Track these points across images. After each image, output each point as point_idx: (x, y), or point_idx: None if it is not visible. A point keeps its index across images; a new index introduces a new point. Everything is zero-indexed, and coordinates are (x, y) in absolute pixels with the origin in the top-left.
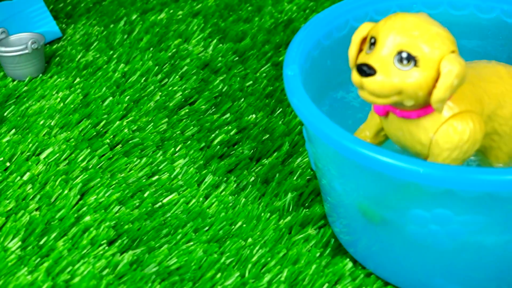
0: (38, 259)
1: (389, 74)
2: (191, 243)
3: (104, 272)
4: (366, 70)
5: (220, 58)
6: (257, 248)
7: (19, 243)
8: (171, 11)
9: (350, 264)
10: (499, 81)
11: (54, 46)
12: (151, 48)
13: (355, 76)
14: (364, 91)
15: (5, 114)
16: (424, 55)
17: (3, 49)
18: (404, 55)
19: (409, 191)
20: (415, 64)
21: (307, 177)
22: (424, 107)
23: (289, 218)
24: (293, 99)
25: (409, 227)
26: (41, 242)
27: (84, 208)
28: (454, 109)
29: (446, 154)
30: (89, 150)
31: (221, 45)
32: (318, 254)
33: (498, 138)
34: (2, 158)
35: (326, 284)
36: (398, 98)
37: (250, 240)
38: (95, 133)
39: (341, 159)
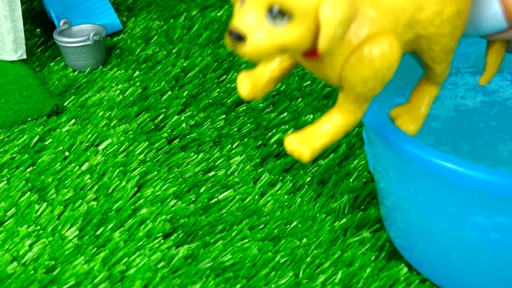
0: (95, 249)
1: (262, 36)
2: (246, 240)
3: (160, 265)
4: (233, 36)
5: None
6: (311, 248)
7: (77, 232)
8: (231, 8)
9: (405, 269)
10: None
11: (115, 39)
12: (210, 44)
13: (227, 41)
14: None
15: (65, 104)
16: (298, 6)
17: (65, 39)
18: (275, 10)
19: (471, 198)
20: (290, 18)
21: (364, 180)
22: None
23: (344, 220)
24: None
25: (468, 235)
26: (98, 232)
27: (141, 201)
28: (357, 38)
29: (360, 87)
30: (147, 143)
31: None
32: (373, 258)
33: (426, 41)
34: (61, 148)
35: None
36: (284, 52)
37: (304, 240)
38: (153, 127)
39: (402, 163)
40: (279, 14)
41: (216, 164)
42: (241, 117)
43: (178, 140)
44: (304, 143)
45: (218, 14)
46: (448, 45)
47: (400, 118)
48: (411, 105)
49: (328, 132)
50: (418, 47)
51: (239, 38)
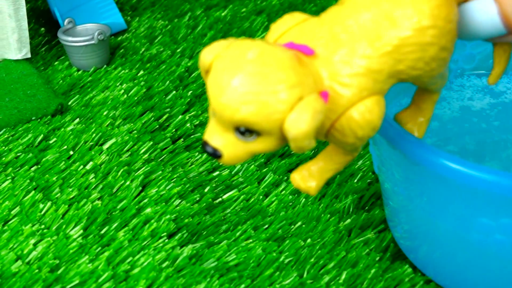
0: (99, 248)
1: (235, 151)
2: (250, 240)
3: (164, 265)
4: (210, 153)
5: None
6: (316, 249)
7: (81, 231)
8: (235, 8)
9: (409, 270)
10: (372, 35)
11: (119, 38)
12: None
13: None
14: None
15: (70, 103)
16: (262, 128)
17: (70, 38)
18: (242, 129)
19: (476, 199)
20: (259, 135)
21: (368, 180)
22: None
23: (349, 220)
24: None
25: (473, 236)
26: (102, 232)
27: (145, 200)
28: (335, 113)
29: (347, 147)
30: (151, 143)
31: None
32: (377, 258)
33: (413, 79)
34: (66, 147)
35: None
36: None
37: (309, 240)
38: (157, 126)
39: (407, 163)
40: (247, 132)
41: (220, 164)
42: None
43: (182, 139)
44: (307, 181)
45: (223, 14)
46: (438, 73)
47: (407, 125)
48: (414, 110)
49: (327, 169)
50: (407, 80)
51: (215, 153)
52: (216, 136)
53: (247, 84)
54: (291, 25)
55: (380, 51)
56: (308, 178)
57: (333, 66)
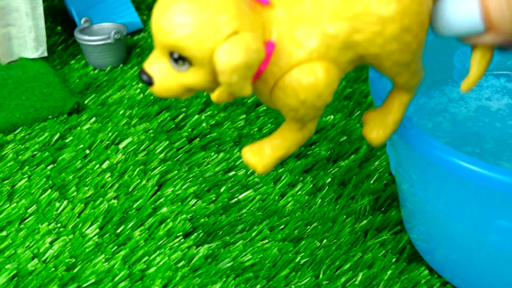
0: (115, 247)
1: (167, 80)
2: (266, 240)
3: (180, 264)
4: (144, 80)
5: None
6: (332, 249)
7: (97, 230)
8: None
9: (426, 272)
10: (343, 3)
11: (135, 37)
12: None
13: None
14: None
15: (86, 102)
16: (193, 54)
17: (86, 37)
18: (176, 56)
19: (494, 201)
20: (191, 64)
21: (384, 182)
22: None
23: (365, 221)
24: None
25: (491, 238)
26: (118, 231)
27: (161, 200)
28: (279, 69)
29: (291, 114)
30: (167, 142)
31: None
32: (393, 260)
33: (373, 58)
34: (82, 146)
35: None
36: (192, 92)
37: (325, 241)
38: (173, 126)
39: (424, 164)
40: (180, 60)
41: (237, 164)
42: (262, 117)
43: (198, 139)
44: (256, 156)
45: None
46: (401, 59)
47: (368, 124)
48: (381, 110)
49: (279, 146)
50: (367, 62)
51: (149, 80)
52: (153, 63)
53: (185, 8)
54: None
55: (339, 15)
56: (258, 153)
57: (288, 22)
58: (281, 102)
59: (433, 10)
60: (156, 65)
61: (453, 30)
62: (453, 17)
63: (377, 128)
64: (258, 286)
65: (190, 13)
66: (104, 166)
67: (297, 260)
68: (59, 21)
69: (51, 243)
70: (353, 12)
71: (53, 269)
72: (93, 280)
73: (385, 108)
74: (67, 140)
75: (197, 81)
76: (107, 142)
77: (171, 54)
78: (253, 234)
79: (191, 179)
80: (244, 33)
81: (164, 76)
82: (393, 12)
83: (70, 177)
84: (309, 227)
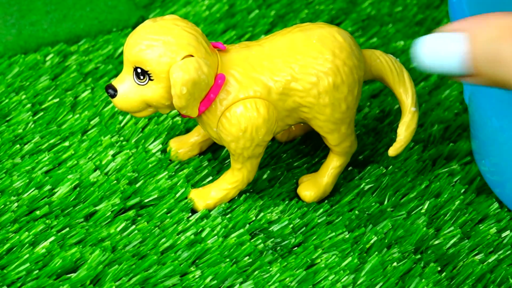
0: (178, 165)
1: (129, 92)
2: None
3: None
4: (109, 93)
5: None
6: (397, 177)
7: (160, 146)
8: None
9: (496, 205)
10: (286, 55)
11: None
12: None
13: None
14: None
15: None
16: (152, 68)
17: None
18: (139, 70)
19: None
20: (150, 78)
21: (455, 111)
22: None
23: (433, 150)
24: None
25: None
26: None
27: None
28: (226, 101)
29: (233, 145)
30: None
31: None
32: (462, 191)
33: (309, 110)
34: None
35: (469, 222)
36: (153, 109)
37: (391, 167)
38: None
39: (503, 92)
40: (142, 75)
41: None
42: None
43: None
44: (200, 198)
45: None
46: (334, 116)
47: (303, 183)
48: (317, 173)
49: (220, 189)
50: (303, 116)
51: (113, 93)
52: (119, 79)
53: (152, 31)
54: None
55: (283, 68)
56: (200, 196)
57: (240, 66)
58: (225, 131)
59: (416, 44)
60: (122, 80)
61: (432, 69)
62: (435, 58)
63: (310, 189)
64: (321, 209)
65: (155, 35)
66: None
67: (361, 186)
68: None
69: (114, 155)
70: (296, 64)
71: (115, 181)
72: (155, 196)
73: (320, 171)
74: None
75: (154, 95)
76: None
77: (135, 69)
78: (316, 159)
79: None
80: (199, 58)
81: (126, 89)
82: (328, 69)
83: None
84: (374, 152)
